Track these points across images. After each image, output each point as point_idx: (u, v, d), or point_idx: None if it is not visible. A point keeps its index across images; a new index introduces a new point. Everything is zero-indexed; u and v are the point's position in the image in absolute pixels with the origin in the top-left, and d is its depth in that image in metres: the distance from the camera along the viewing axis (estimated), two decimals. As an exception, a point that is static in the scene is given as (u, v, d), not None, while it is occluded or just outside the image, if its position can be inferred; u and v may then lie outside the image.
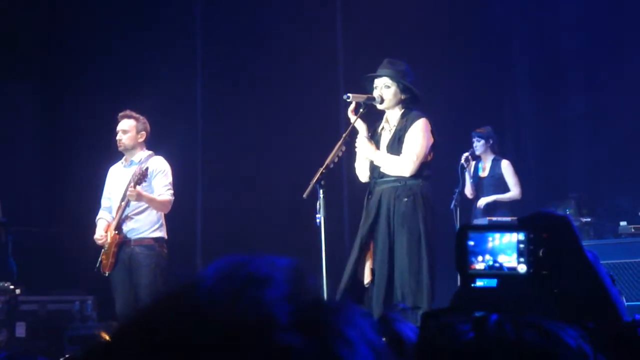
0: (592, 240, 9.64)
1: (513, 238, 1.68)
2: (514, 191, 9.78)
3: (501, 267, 1.68)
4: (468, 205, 9.82)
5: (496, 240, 1.69)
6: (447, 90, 10.45)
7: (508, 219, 9.40)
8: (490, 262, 1.68)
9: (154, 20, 10.65)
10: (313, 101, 10.49)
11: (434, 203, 6.83)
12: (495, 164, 9.88)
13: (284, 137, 10.60)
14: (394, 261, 6.61)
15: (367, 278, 6.70)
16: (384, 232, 6.68)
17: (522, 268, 1.67)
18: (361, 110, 6.82)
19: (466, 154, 9.77)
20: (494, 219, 9.44)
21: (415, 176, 6.72)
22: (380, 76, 6.83)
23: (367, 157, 6.86)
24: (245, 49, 10.82)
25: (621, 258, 8.42)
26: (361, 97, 6.81)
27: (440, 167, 7.34)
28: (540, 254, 1.66)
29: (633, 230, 8.78)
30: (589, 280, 1.64)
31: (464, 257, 1.70)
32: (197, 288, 0.99)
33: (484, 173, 9.91)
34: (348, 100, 6.79)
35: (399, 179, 6.73)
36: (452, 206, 9.37)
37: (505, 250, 1.68)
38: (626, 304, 7.79)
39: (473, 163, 9.89)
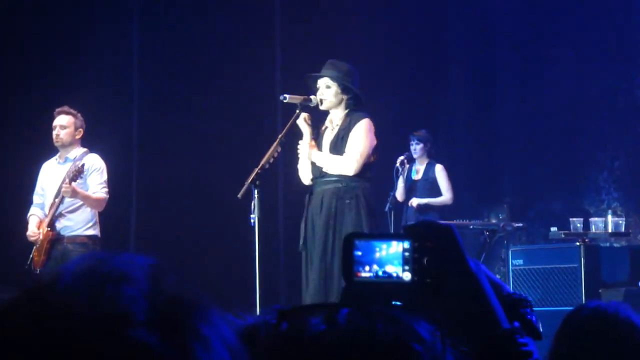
0: (524, 245, 9.77)
1: (399, 247, 1.70)
2: (446, 196, 9.86)
3: (387, 275, 1.69)
4: (402, 207, 9.89)
5: (383, 249, 1.70)
6: (381, 93, 10.50)
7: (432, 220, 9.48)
8: (378, 272, 1.70)
9: (89, 14, 10.53)
10: (250, 101, 10.47)
11: (373, 205, 6.88)
12: (429, 168, 9.96)
13: (219, 137, 10.57)
14: (333, 261, 6.62)
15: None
16: (321, 232, 6.70)
17: (407, 276, 1.68)
18: (297, 111, 6.85)
19: (402, 158, 9.84)
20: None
21: (357, 176, 6.76)
22: (322, 76, 6.88)
23: (309, 159, 6.89)
24: (182, 48, 10.76)
25: (551, 263, 8.53)
26: (298, 99, 6.85)
27: (376, 169, 7.37)
28: (425, 262, 1.68)
29: (563, 235, 8.90)
30: (471, 289, 1.67)
31: (349, 266, 1.71)
32: (55, 284, 1.00)
33: (417, 176, 9.99)
34: (285, 101, 6.84)
35: (341, 179, 6.76)
36: (387, 209, 9.44)
37: (391, 259, 1.70)
38: (556, 309, 7.92)
39: (408, 166, 9.96)
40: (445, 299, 1.65)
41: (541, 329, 1.84)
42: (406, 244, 1.69)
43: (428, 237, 1.69)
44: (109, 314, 0.96)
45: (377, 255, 1.70)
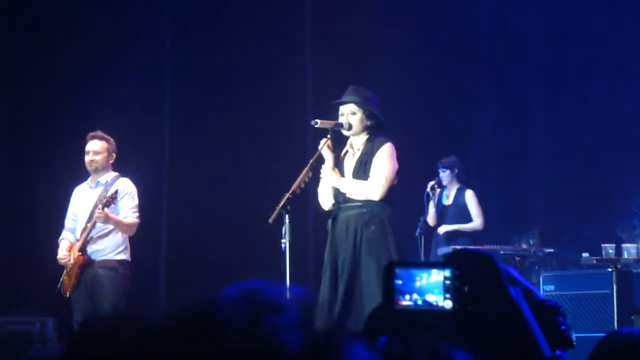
0: (555, 271, 9.70)
1: (440, 276, 1.70)
2: (476, 221, 9.81)
3: (428, 304, 1.69)
4: (432, 233, 9.86)
5: (423, 278, 1.70)
6: (412, 119, 10.50)
7: (471, 248, 9.45)
8: (418, 300, 1.70)
9: (121, 36, 10.59)
10: (281, 126, 10.50)
11: (396, 229, 6.85)
12: (460, 194, 9.92)
13: (251, 162, 10.60)
14: (362, 287, 6.58)
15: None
16: (349, 259, 6.66)
17: (448, 304, 1.68)
18: (328, 136, 6.84)
19: (432, 183, 9.82)
20: (458, 247, 9.48)
21: (382, 201, 6.73)
22: (347, 102, 6.87)
23: (334, 186, 6.87)
24: (214, 72, 10.82)
25: (583, 289, 8.47)
26: (329, 124, 6.84)
27: (406, 194, 7.35)
28: (466, 290, 1.68)
29: (595, 261, 8.83)
30: (511, 317, 1.67)
31: (390, 294, 1.71)
32: (216, 310, 1.04)
33: (448, 201, 9.96)
34: (316, 126, 6.81)
35: (366, 204, 6.73)
36: (417, 234, 9.41)
37: (432, 288, 1.70)
38: (588, 335, 7.86)
39: (438, 191, 9.92)
40: (486, 327, 1.64)
41: (573, 337, 1.83)
42: (447, 273, 1.69)
43: (469, 265, 1.69)
44: (265, 343, 1.00)
45: (418, 284, 1.70)
